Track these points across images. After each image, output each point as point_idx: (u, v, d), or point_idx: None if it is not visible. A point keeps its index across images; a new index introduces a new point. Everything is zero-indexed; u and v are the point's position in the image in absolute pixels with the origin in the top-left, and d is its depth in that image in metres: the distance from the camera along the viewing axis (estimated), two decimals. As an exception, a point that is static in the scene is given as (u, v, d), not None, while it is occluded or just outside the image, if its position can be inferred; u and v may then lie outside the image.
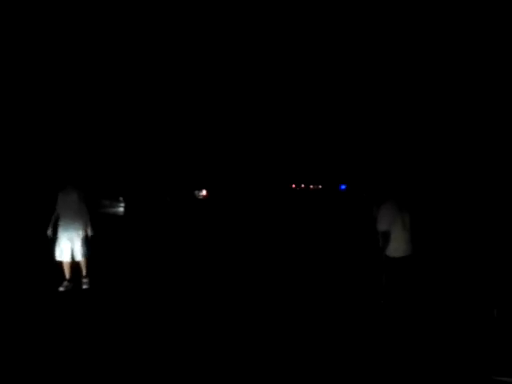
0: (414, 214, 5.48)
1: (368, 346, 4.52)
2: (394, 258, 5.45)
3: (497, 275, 6.55)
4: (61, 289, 6.50)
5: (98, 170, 17.82)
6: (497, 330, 4.58)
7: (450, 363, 4.07)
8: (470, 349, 4.31)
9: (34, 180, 14.94)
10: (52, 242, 6.57)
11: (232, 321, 5.29)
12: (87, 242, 6.69)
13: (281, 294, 6.57)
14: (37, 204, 11.69)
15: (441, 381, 3.76)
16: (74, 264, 6.67)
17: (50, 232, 6.55)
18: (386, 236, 5.45)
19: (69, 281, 6.60)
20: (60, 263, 6.58)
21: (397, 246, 5.41)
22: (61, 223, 6.54)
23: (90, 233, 6.64)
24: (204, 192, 32.60)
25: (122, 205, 18.89)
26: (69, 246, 6.50)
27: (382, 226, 5.52)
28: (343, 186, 35.65)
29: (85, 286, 6.64)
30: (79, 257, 6.58)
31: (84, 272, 6.70)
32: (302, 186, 70.15)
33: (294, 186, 62.01)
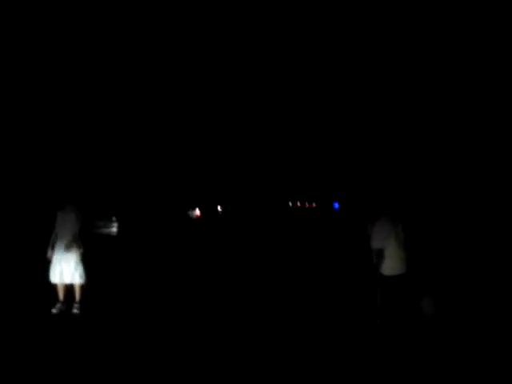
0: (409, 231, 5.47)
1: (363, 364, 4.49)
2: (388, 276, 5.42)
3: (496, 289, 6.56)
4: (54, 311, 6.41)
5: (92, 189, 17.76)
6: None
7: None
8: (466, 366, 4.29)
9: (33, 197, 14.87)
10: (49, 262, 6.48)
11: (230, 338, 5.24)
12: (83, 266, 6.56)
13: (276, 311, 6.55)
14: (36, 221, 11.60)
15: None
16: (69, 286, 6.57)
17: (50, 253, 6.46)
18: (380, 253, 5.41)
19: (62, 303, 6.51)
20: (55, 285, 6.50)
21: (391, 264, 5.38)
22: (57, 243, 6.44)
23: (81, 252, 6.51)
24: (197, 212, 32.57)
25: (116, 225, 18.83)
26: (63, 268, 6.39)
27: (375, 243, 5.50)
28: (336, 205, 35.81)
29: (75, 311, 6.50)
30: (73, 280, 6.46)
31: (77, 297, 6.55)
32: (298, 204, 70.31)
33: (290, 203, 62.11)
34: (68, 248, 6.34)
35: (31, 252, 9.25)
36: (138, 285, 8.70)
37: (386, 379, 4.16)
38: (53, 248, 6.47)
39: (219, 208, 37.34)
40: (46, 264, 6.58)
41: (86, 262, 6.66)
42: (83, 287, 6.60)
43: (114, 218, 18.89)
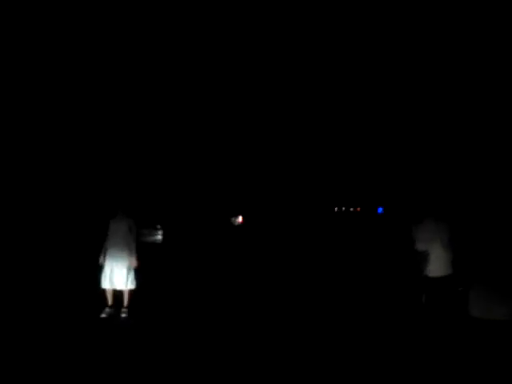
0: (455, 232, 5.33)
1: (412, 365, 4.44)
2: (433, 278, 5.35)
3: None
4: (103, 315, 6.64)
5: (137, 197, 18.22)
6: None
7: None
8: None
9: (86, 205, 15.46)
10: (100, 268, 6.74)
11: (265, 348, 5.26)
12: (134, 273, 6.79)
13: (322, 315, 6.57)
14: (88, 229, 12.07)
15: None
16: (118, 292, 6.81)
17: (102, 260, 6.73)
18: (425, 256, 5.35)
19: (110, 308, 6.74)
20: (104, 290, 6.75)
21: (436, 266, 5.31)
22: (109, 251, 6.68)
23: (134, 263, 6.74)
24: (240, 218, 32.73)
25: (160, 233, 19.18)
26: (114, 274, 6.64)
27: (420, 245, 5.44)
28: (380, 209, 35.21)
29: (123, 315, 6.74)
30: (123, 286, 6.70)
31: (125, 302, 6.79)
32: (343, 208, 69.61)
33: (336, 209, 61.44)
34: (123, 257, 6.58)
35: (83, 258, 9.62)
36: (181, 291, 8.89)
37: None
38: (105, 255, 6.72)
39: (259, 214, 37.31)
40: (96, 270, 6.86)
41: (136, 269, 6.88)
42: (132, 293, 6.81)
43: (158, 226, 19.27)
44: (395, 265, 10.68)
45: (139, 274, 7.02)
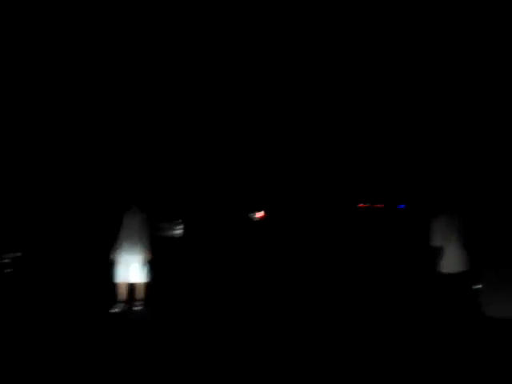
0: (470, 229, 5.23)
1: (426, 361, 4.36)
2: (448, 274, 5.31)
3: None
4: (114, 310, 6.64)
5: (158, 192, 18.36)
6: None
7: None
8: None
9: (100, 199, 15.64)
10: (114, 262, 6.73)
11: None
12: (148, 266, 6.77)
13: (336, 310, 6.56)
14: (101, 223, 12.20)
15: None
16: (132, 286, 6.80)
17: (115, 254, 6.70)
18: (440, 252, 5.31)
19: (124, 303, 6.74)
20: (117, 284, 6.74)
21: (451, 262, 5.26)
22: (123, 245, 6.66)
23: (148, 257, 6.72)
24: (261, 213, 32.62)
25: (181, 227, 19.26)
26: (128, 269, 6.61)
27: (435, 241, 5.39)
28: (402, 206, 34.82)
29: (138, 308, 6.73)
30: (138, 279, 6.69)
31: (141, 295, 6.77)
32: (367, 204, 69.39)
33: (361, 205, 60.92)
34: (137, 251, 6.57)
35: (97, 252, 9.71)
36: (196, 286, 8.87)
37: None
38: (119, 249, 6.70)
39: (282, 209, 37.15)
40: (109, 264, 6.86)
41: (152, 263, 6.86)
42: (147, 286, 6.81)
43: (179, 221, 19.36)
44: (413, 260, 10.60)
45: (156, 267, 7.02)
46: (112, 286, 6.77)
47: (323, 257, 13.03)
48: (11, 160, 12.89)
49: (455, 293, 5.20)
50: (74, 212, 13.93)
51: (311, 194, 43.33)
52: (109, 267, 6.84)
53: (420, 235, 6.67)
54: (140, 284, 6.75)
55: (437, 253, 5.37)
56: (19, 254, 10.87)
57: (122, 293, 6.72)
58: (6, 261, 10.72)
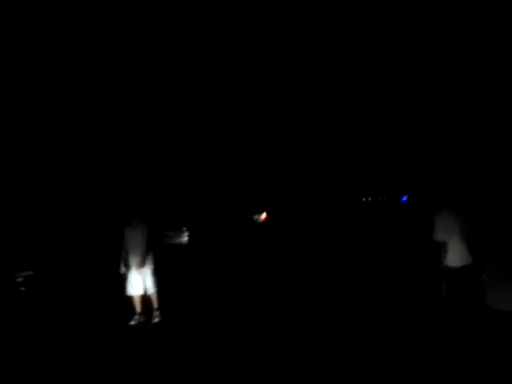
0: (473, 222, 5.28)
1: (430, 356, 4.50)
2: (453, 268, 5.34)
3: None
4: (132, 323, 6.81)
5: (161, 201, 18.49)
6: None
7: None
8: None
9: (101, 214, 15.76)
10: (123, 277, 6.89)
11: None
12: (155, 275, 6.93)
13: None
14: (104, 239, 12.36)
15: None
16: (145, 298, 6.96)
17: (123, 269, 6.86)
18: (443, 246, 5.36)
19: (140, 315, 6.92)
20: (131, 298, 6.90)
21: (455, 256, 5.29)
22: (129, 258, 6.81)
23: (150, 265, 6.87)
24: (263, 216, 32.52)
25: (186, 234, 19.44)
26: (139, 281, 6.77)
27: (438, 235, 5.43)
28: (405, 197, 34.80)
29: (156, 320, 6.90)
30: (149, 290, 6.85)
31: (155, 305, 6.95)
32: (369, 198, 69.10)
33: (364, 199, 60.33)
34: (141, 262, 6.74)
35: (103, 268, 9.88)
36: (204, 292, 9.06)
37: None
38: (125, 263, 6.86)
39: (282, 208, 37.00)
40: (119, 279, 7.04)
41: (159, 272, 7.04)
42: (158, 295, 6.96)
43: (184, 228, 19.54)
44: (418, 255, 10.73)
45: (162, 275, 7.20)
46: (127, 299, 6.94)
47: (329, 255, 13.18)
48: (15, 179, 13.04)
49: (460, 286, 5.29)
50: (80, 228, 14.09)
51: (314, 191, 43.14)
52: (120, 281, 7.03)
53: (424, 229, 6.78)
54: (152, 294, 6.92)
55: (440, 247, 5.42)
56: (31, 272, 11.06)
57: (137, 305, 6.89)
58: (19, 279, 10.91)
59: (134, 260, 6.75)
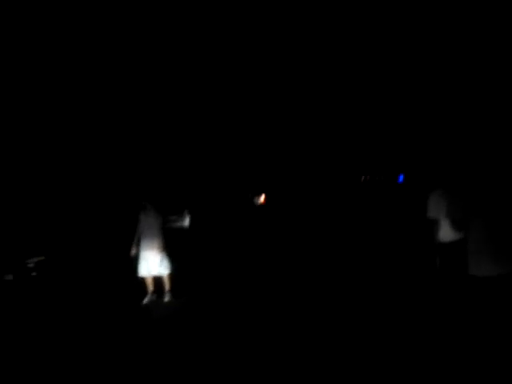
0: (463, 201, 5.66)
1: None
2: (445, 243, 5.75)
3: None
4: (144, 301, 7.25)
5: (163, 186, 18.78)
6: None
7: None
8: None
9: (115, 199, 16.06)
10: (136, 259, 7.29)
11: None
12: (168, 258, 7.31)
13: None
14: (118, 223, 12.70)
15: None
16: (158, 279, 7.36)
17: (134, 251, 7.26)
18: (436, 222, 5.76)
19: (152, 294, 7.34)
20: (143, 278, 7.34)
21: (447, 231, 5.66)
22: (142, 242, 7.20)
23: (163, 250, 7.23)
24: (262, 197, 32.67)
25: (187, 218, 19.74)
26: (150, 262, 7.17)
27: (431, 213, 5.83)
28: (401, 177, 35.08)
29: (167, 299, 7.32)
30: (161, 271, 7.25)
31: (167, 286, 7.35)
32: (368, 177, 68.90)
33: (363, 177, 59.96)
34: (154, 246, 7.13)
35: (116, 250, 10.22)
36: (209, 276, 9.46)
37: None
38: (138, 246, 7.26)
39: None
40: (131, 261, 7.42)
41: (170, 255, 7.41)
42: (171, 277, 7.38)
43: (185, 212, 19.84)
44: (414, 231, 11.20)
45: (174, 259, 7.56)
46: (139, 280, 7.36)
47: (329, 232, 13.63)
48: (29, 166, 13.28)
49: (451, 259, 5.71)
50: (93, 213, 14.41)
51: (314, 171, 43.07)
52: (132, 263, 7.42)
53: (419, 207, 7.15)
54: (163, 276, 7.32)
55: (433, 224, 5.82)
56: (42, 257, 11.42)
57: (149, 285, 7.31)
58: (31, 265, 11.29)
59: (147, 244, 7.13)
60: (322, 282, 7.81)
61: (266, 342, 5.08)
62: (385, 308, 6.03)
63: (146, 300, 7.25)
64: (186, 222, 20.01)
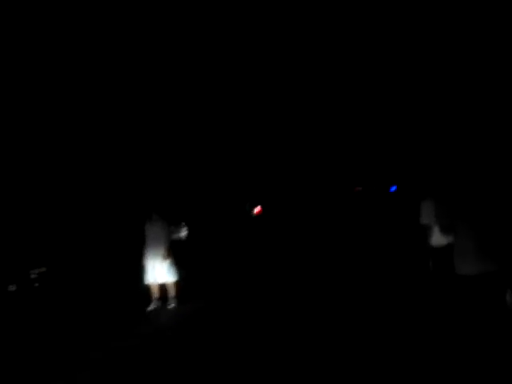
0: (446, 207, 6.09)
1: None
2: (437, 247, 6.21)
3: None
4: (150, 308, 7.50)
5: (161, 197, 19.01)
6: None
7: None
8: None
9: (121, 210, 16.28)
10: (142, 267, 7.56)
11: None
12: (174, 267, 7.57)
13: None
14: (125, 233, 12.95)
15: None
16: (163, 286, 7.61)
17: (145, 260, 7.52)
18: (428, 228, 6.30)
19: (157, 301, 7.60)
20: (149, 286, 7.59)
21: (436, 237, 6.12)
22: (148, 250, 7.47)
23: (168, 257, 7.47)
24: (257, 209, 32.91)
25: (185, 229, 20.01)
26: (156, 271, 7.43)
27: (423, 219, 6.44)
28: (394, 187, 35.59)
29: (171, 305, 7.57)
30: (166, 279, 7.51)
31: (172, 293, 7.60)
32: (360, 188, 68.62)
33: (357, 188, 59.90)
34: (160, 254, 7.41)
35: (126, 259, 10.44)
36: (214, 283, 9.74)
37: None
38: (145, 255, 7.53)
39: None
40: (140, 269, 7.70)
41: (176, 263, 7.69)
42: (178, 285, 7.64)
43: (183, 224, 20.09)
44: (408, 236, 11.65)
45: (180, 267, 7.82)
46: (145, 287, 7.63)
47: (325, 239, 14.05)
48: (34, 177, 13.44)
49: (442, 262, 6.09)
50: (98, 223, 14.64)
51: (306, 180, 43.34)
52: (139, 271, 7.70)
53: (413, 215, 7.57)
54: (169, 283, 7.59)
55: (426, 230, 6.36)
56: (44, 268, 11.64)
57: (154, 292, 7.58)
58: (33, 276, 11.50)
59: (153, 252, 7.40)
60: (322, 284, 8.17)
61: (269, 347, 5.30)
62: (383, 306, 6.43)
63: (151, 307, 7.50)
64: (183, 233, 20.29)
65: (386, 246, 11.86)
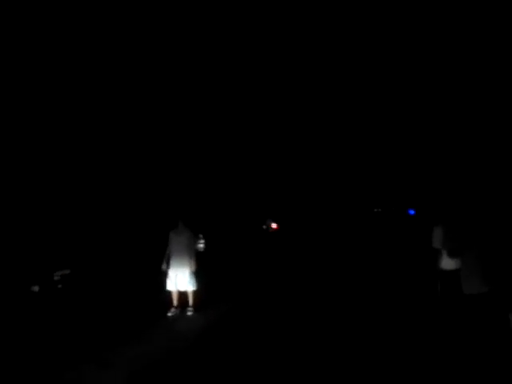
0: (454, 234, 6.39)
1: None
2: (446, 271, 6.53)
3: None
4: (169, 314, 7.83)
5: (188, 207, 19.37)
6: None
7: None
8: None
9: (148, 217, 16.62)
10: (165, 274, 7.91)
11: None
12: (195, 276, 7.89)
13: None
14: (150, 240, 13.32)
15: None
16: (183, 294, 7.95)
17: (164, 267, 7.87)
18: (439, 252, 6.64)
19: (176, 308, 7.95)
20: (170, 292, 7.95)
21: (448, 260, 6.40)
22: (172, 258, 7.80)
23: (193, 267, 7.83)
24: (273, 225, 33.11)
25: (203, 241, 20.30)
26: (178, 279, 7.78)
27: (434, 244, 6.77)
28: (412, 211, 35.66)
29: (189, 313, 7.89)
30: (186, 287, 7.84)
31: (191, 301, 7.93)
32: (380, 209, 68.29)
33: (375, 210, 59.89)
34: (185, 263, 7.75)
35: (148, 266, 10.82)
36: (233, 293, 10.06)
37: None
38: (168, 262, 7.85)
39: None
40: (161, 276, 8.04)
41: (198, 274, 8.03)
42: (196, 293, 7.96)
43: (200, 236, 20.41)
44: (419, 259, 11.91)
45: (201, 277, 8.16)
46: (166, 293, 7.99)
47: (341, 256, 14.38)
48: (58, 182, 13.71)
49: (450, 285, 6.36)
50: (123, 229, 15.02)
51: (323, 201, 43.65)
52: (160, 278, 8.05)
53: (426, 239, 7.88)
54: (188, 292, 7.93)
55: (437, 254, 6.68)
56: (68, 271, 12.05)
57: (174, 299, 7.93)
58: (57, 278, 11.91)
59: (177, 261, 7.74)
60: (335, 300, 8.47)
61: (280, 357, 5.62)
62: (393, 321, 6.84)
63: (170, 313, 7.85)
64: (201, 245, 20.60)
65: (399, 266, 12.53)
